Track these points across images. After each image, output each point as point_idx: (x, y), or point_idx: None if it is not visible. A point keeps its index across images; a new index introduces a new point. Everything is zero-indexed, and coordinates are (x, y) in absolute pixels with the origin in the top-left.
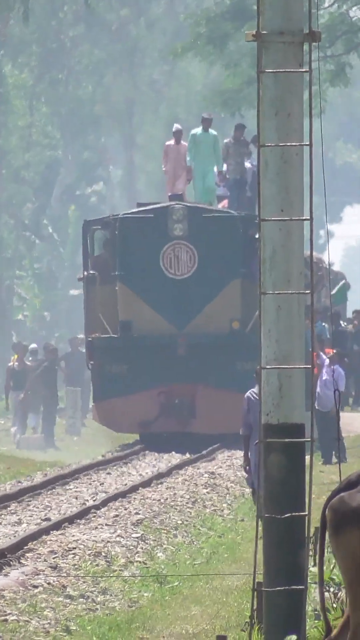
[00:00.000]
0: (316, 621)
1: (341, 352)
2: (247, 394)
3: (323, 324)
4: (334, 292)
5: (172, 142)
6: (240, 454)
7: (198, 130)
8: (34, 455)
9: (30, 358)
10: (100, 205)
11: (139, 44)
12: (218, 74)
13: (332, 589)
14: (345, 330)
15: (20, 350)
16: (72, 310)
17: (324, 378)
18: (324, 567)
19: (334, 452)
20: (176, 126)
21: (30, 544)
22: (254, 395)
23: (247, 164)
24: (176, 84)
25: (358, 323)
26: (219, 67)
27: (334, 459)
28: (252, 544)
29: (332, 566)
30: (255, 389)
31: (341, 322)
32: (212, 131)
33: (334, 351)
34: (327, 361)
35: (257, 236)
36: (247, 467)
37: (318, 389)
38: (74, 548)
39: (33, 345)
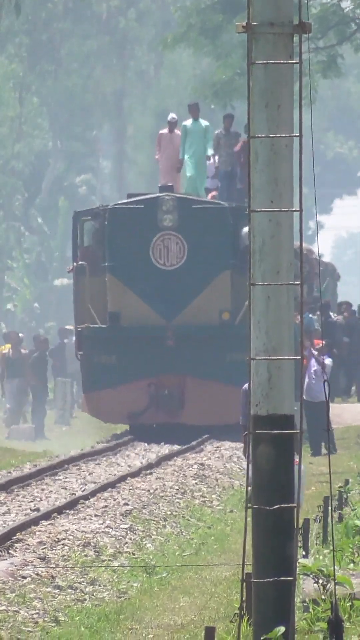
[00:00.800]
0: (305, 613)
1: (330, 343)
2: (245, 386)
3: (310, 315)
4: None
5: (165, 130)
6: (229, 444)
7: (189, 121)
8: (24, 446)
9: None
10: (89, 196)
11: (129, 35)
12: (208, 65)
13: (320, 581)
14: (335, 321)
15: (13, 339)
16: (61, 301)
17: (313, 369)
18: (312, 559)
19: (323, 444)
20: (172, 115)
21: (19, 534)
22: None
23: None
24: (165, 75)
25: (348, 315)
26: (208, 58)
27: (323, 450)
28: (241, 535)
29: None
30: None
31: (331, 313)
32: (202, 121)
33: (323, 342)
34: (314, 352)
35: (245, 229)
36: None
37: (307, 380)
38: (63, 539)
39: (20, 335)
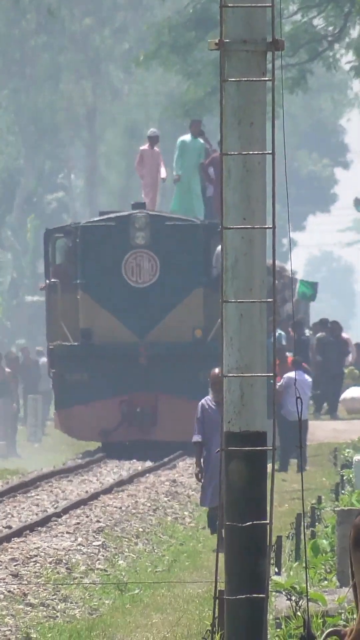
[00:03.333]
0: (277, 629)
1: (299, 359)
2: (202, 401)
3: (280, 332)
4: (297, 292)
5: (146, 146)
6: None
7: (187, 137)
8: None
9: None
10: (61, 214)
11: (101, 53)
12: (177, 83)
13: (293, 598)
14: (308, 339)
15: None
16: (32, 318)
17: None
18: (285, 576)
19: (297, 461)
20: (152, 130)
21: None
22: (209, 403)
23: (210, 170)
24: (135, 93)
25: (324, 334)
26: (179, 76)
27: (293, 467)
28: (213, 552)
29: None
30: (210, 396)
31: (306, 330)
32: (200, 140)
33: (294, 358)
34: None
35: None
36: (200, 475)
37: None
38: (35, 556)
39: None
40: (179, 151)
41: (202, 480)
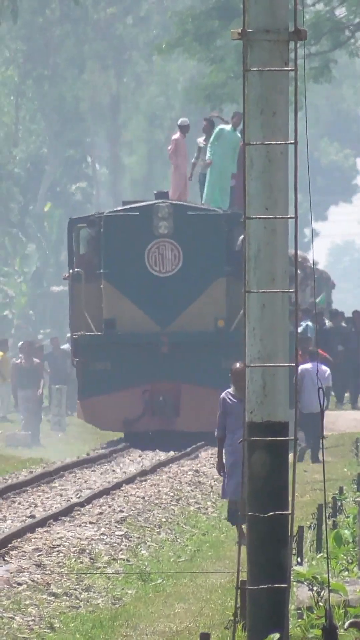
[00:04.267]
0: (299, 620)
1: (314, 350)
2: (223, 395)
3: (308, 323)
4: (319, 299)
5: (177, 135)
6: None
7: (227, 126)
8: (20, 453)
9: (20, 355)
10: (85, 204)
11: (125, 41)
12: (198, 71)
13: (315, 588)
14: (329, 329)
15: (26, 348)
16: (56, 308)
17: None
18: (307, 566)
19: (319, 451)
20: (184, 120)
21: (14, 541)
22: (230, 397)
23: None
24: (157, 82)
25: (345, 324)
26: (200, 64)
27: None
28: (235, 543)
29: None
30: (231, 390)
31: (325, 320)
32: (238, 133)
33: (309, 350)
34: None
35: (241, 237)
36: (221, 471)
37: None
38: (58, 545)
39: (21, 343)
40: (214, 138)
41: (224, 474)
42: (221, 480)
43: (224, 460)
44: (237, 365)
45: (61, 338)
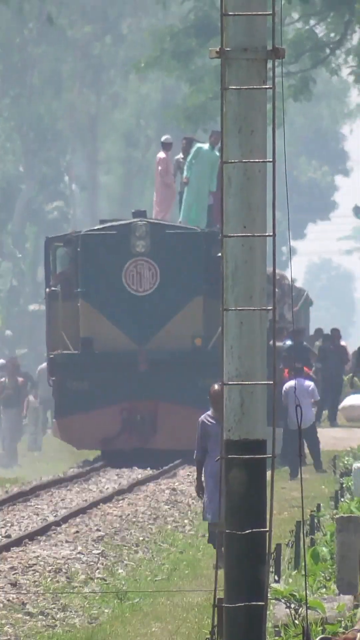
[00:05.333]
0: (276, 637)
1: (298, 367)
2: (201, 417)
3: (288, 342)
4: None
5: (163, 154)
6: None
7: (205, 145)
8: None
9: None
10: (61, 222)
11: (103, 60)
12: (174, 89)
13: (292, 606)
14: (308, 347)
15: (10, 367)
16: (33, 327)
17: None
18: (284, 584)
19: (299, 468)
20: (167, 137)
21: None
22: (209, 419)
23: None
24: (133, 100)
25: (322, 342)
26: (178, 82)
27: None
28: (212, 560)
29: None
30: (210, 412)
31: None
32: (217, 151)
33: (291, 367)
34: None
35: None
36: (200, 493)
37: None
38: (34, 564)
39: (1, 361)
40: (192, 156)
41: (204, 496)
42: (199, 498)
43: (204, 483)
44: (216, 386)
45: (38, 357)
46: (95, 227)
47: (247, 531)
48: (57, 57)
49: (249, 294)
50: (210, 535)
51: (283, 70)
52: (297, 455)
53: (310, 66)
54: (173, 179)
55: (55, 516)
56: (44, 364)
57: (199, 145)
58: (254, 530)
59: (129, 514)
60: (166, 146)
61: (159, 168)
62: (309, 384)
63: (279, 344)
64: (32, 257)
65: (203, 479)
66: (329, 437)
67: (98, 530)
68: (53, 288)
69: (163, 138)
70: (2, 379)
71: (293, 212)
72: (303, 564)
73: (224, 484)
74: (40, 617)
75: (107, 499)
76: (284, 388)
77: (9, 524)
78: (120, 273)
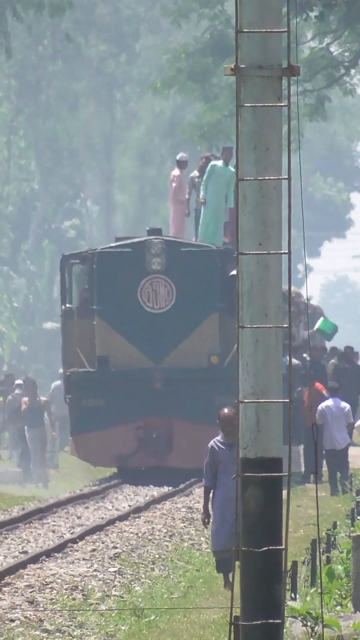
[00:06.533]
0: None
1: (334, 385)
2: (211, 443)
3: (306, 357)
4: (317, 326)
5: (178, 172)
6: None
7: (219, 162)
8: (12, 490)
9: (17, 392)
10: (77, 240)
11: (118, 79)
12: (190, 107)
13: (309, 623)
14: (325, 365)
15: (30, 386)
16: (49, 345)
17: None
18: (301, 601)
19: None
20: (183, 155)
21: (7, 577)
22: (219, 444)
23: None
24: (148, 117)
25: (337, 360)
26: (194, 102)
27: (310, 493)
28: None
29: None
30: (220, 437)
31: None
32: (231, 168)
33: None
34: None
35: (233, 272)
36: (206, 520)
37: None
38: (51, 582)
39: (19, 381)
40: (207, 175)
41: (212, 524)
42: (205, 528)
43: (212, 510)
44: (225, 410)
45: (53, 375)
46: (111, 245)
47: (264, 549)
48: (72, 74)
49: (264, 311)
50: (217, 564)
51: (299, 89)
52: (334, 474)
53: (324, 85)
54: (187, 196)
55: (71, 533)
56: (58, 381)
57: (212, 163)
58: (270, 548)
59: (145, 532)
60: (181, 164)
61: (173, 185)
62: (345, 405)
63: (295, 362)
64: (49, 275)
65: (210, 506)
66: None
67: (115, 547)
68: (69, 305)
69: (178, 156)
70: (25, 398)
71: (308, 230)
72: (319, 581)
73: (240, 503)
74: (57, 634)
75: (123, 517)
76: (319, 407)
77: (26, 541)
78: (136, 290)
